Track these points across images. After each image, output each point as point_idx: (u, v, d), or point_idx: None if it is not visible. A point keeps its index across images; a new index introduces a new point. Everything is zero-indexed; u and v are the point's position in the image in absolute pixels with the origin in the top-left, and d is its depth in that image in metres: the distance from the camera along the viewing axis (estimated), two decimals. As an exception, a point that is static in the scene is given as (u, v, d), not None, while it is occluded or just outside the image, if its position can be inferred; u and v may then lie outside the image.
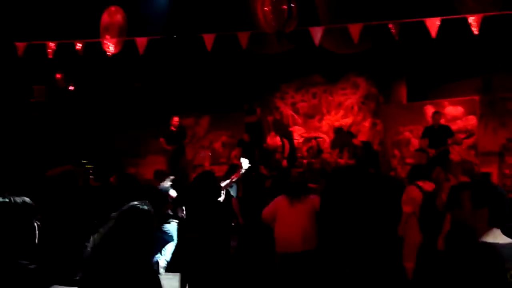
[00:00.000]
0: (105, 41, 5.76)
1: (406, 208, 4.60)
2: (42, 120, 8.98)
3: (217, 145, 9.95)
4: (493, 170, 7.86)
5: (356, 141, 8.32)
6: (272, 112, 10.70)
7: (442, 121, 7.76)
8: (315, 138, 9.73)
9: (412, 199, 4.58)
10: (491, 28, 5.42)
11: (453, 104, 8.30)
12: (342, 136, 8.81)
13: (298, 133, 10.42)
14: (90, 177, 7.62)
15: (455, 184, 4.43)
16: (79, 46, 5.65)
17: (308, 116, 10.48)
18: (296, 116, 10.55)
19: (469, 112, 8.08)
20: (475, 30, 4.95)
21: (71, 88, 9.59)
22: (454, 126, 7.95)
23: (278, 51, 7.22)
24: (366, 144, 9.64)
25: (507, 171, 7.44)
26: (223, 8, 6.14)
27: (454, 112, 8.26)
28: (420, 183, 4.63)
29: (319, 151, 9.47)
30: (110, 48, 5.79)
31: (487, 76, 8.31)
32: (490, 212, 1.91)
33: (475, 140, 7.97)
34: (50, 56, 5.91)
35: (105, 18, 5.69)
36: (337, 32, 6.17)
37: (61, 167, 5.10)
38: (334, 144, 9.00)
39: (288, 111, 10.60)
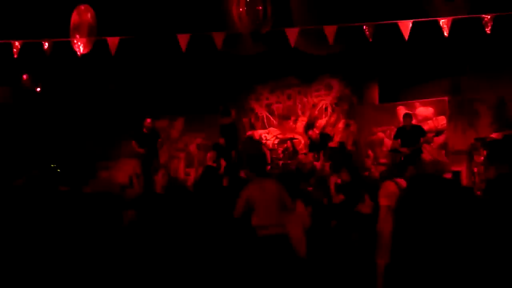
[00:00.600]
0: (74, 41, 5.57)
1: (383, 201, 4.66)
2: (7, 123, 8.61)
3: (192, 148, 9.83)
4: (462, 168, 8.12)
5: (332, 144, 8.38)
6: (247, 114, 10.67)
7: (414, 122, 7.93)
8: (290, 139, 9.77)
9: (390, 194, 4.64)
10: (459, 31, 5.57)
11: (424, 105, 8.52)
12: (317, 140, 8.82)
13: (273, 134, 10.43)
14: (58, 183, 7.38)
15: None
16: (46, 45, 5.42)
17: (283, 117, 10.51)
18: (271, 118, 10.56)
19: (439, 112, 8.30)
20: (445, 33, 5.07)
21: (38, 89, 9.24)
22: (425, 126, 8.15)
23: (253, 52, 7.20)
24: (340, 145, 9.75)
25: (475, 170, 7.67)
26: (198, 8, 6.06)
27: (425, 113, 8.47)
28: (397, 180, 4.70)
29: (295, 152, 9.50)
30: (80, 48, 5.60)
31: (456, 78, 8.57)
32: None
33: (445, 139, 8.19)
34: (16, 56, 5.65)
35: (74, 17, 5.50)
36: (312, 33, 6.20)
37: (26, 174, 4.90)
38: (311, 147, 9.01)
39: (263, 112, 10.59)
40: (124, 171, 8.09)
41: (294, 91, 10.49)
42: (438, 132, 7.95)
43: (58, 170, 8.85)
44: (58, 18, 5.61)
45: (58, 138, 9.26)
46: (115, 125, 9.41)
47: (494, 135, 7.53)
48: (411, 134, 7.31)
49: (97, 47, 5.76)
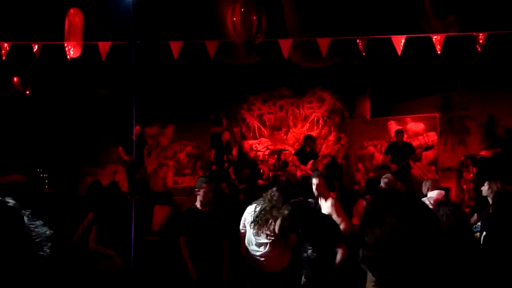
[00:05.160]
0: (65, 44, 5.49)
1: (354, 220, 4.70)
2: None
3: (182, 156, 9.72)
4: (451, 185, 8.13)
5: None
6: (238, 123, 10.62)
7: (405, 138, 7.95)
8: (280, 151, 9.72)
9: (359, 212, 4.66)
10: (451, 48, 5.61)
11: (415, 120, 8.54)
12: (310, 145, 8.67)
13: (264, 145, 10.38)
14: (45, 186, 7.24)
15: None
16: (35, 48, 5.33)
17: (275, 128, 10.48)
18: (262, 128, 10.52)
19: (430, 128, 8.32)
20: (438, 50, 5.09)
21: (27, 92, 9.11)
22: (415, 142, 8.16)
23: (246, 62, 7.18)
24: (331, 158, 9.73)
25: (464, 186, 7.69)
26: (192, 16, 6.03)
27: (416, 128, 8.50)
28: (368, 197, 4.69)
29: (285, 163, 9.45)
30: (71, 52, 5.52)
31: (446, 94, 8.63)
32: None
33: (435, 156, 8.21)
34: (4, 58, 5.55)
35: (67, 20, 5.45)
36: (305, 46, 6.21)
37: (9, 176, 4.78)
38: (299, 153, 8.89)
39: (254, 122, 10.55)
40: (111, 177, 7.93)
41: (286, 102, 10.49)
42: (428, 147, 7.93)
43: (44, 174, 8.69)
44: (49, 20, 5.54)
45: (45, 142, 9.09)
46: (104, 130, 9.28)
47: (483, 153, 7.57)
48: (401, 151, 7.31)
49: (88, 51, 5.69)
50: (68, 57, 5.58)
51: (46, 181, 8.57)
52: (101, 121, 9.32)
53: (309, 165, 8.07)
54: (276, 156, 9.66)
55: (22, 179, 4.76)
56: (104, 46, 5.34)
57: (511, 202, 2.98)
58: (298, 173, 7.91)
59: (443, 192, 4.68)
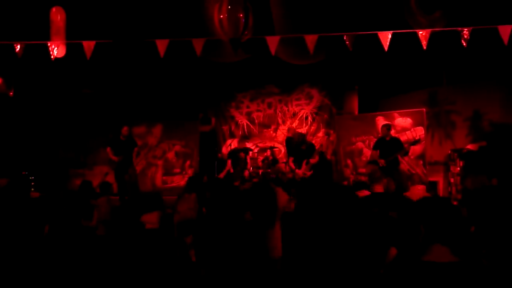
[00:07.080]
0: (48, 44, 5.40)
1: None
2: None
3: (171, 155, 9.66)
4: (439, 179, 8.22)
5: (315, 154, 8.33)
6: (227, 121, 10.60)
7: (393, 133, 7.99)
8: (270, 148, 9.72)
9: None
10: (437, 44, 5.65)
11: (402, 115, 8.61)
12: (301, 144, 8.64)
13: (254, 143, 10.38)
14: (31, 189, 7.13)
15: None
16: (18, 48, 5.22)
17: (264, 126, 10.48)
18: (251, 126, 10.51)
19: (417, 123, 8.40)
20: (424, 45, 5.13)
21: (11, 93, 8.94)
22: (403, 137, 8.23)
23: (234, 60, 7.15)
24: (321, 154, 9.73)
25: (452, 180, 7.78)
26: (178, 13, 5.97)
27: (403, 123, 8.56)
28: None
29: (274, 161, 9.45)
30: (55, 51, 5.43)
31: (433, 90, 8.72)
32: (426, 228, 1.82)
33: (423, 150, 8.29)
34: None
35: (50, 19, 5.35)
36: (292, 42, 6.21)
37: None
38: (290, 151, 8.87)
39: (243, 120, 10.54)
40: (99, 179, 7.85)
41: (274, 99, 10.50)
42: (415, 142, 7.99)
43: (30, 177, 8.56)
44: (31, 19, 5.43)
45: (31, 144, 8.96)
46: (90, 131, 9.17)
47: (470, 147, 7.67)
48: (390, 146, 7.33)
49: (73, 50, 5.60)
50: (52, 56, 5.48)
51: (33, 183, 8.45)
52: (88, 121, 9.21)
53: (303, 169, 8.09)
54: (265, 154, 9.67)
55: (3, 183, 4.66)
56: (88, 45, 5.26)
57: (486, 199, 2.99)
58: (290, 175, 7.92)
59: None
